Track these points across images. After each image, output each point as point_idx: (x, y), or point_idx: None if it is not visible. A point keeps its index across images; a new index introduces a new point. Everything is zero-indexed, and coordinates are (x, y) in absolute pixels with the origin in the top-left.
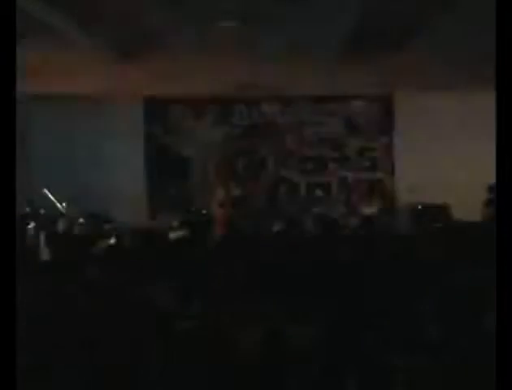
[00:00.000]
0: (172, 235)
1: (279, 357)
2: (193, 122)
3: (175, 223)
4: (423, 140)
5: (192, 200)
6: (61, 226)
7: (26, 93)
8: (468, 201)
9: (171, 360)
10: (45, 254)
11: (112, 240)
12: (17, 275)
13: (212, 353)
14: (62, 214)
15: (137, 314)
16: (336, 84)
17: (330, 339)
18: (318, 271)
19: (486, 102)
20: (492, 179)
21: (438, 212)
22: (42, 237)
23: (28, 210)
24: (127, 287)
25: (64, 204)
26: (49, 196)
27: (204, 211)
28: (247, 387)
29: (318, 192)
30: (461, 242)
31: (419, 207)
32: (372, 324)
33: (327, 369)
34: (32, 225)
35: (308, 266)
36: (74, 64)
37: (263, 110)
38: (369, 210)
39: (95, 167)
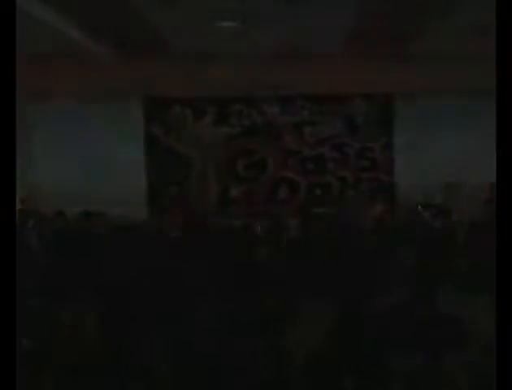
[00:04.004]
0: None
1: None
2: (193, 122)
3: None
4: (423, 140)
5: (191, 200)
6: (60, 225)
7: (26, 93)
8: (468, 201)
9: None
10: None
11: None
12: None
13: None
14: (61, 213)
15: None
16: (336, 84)
17: None
18: None
19: (486, 102)
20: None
21: (438, 212)
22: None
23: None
24: None
25: (64, 203)
26: (49, 196)
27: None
28: None
29: (319, 193)
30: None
31: (419, 207)
32: None
33: None
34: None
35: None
36: (74, 64)
37: (263, 110)
38: (370, 210)
39: (95, 167)
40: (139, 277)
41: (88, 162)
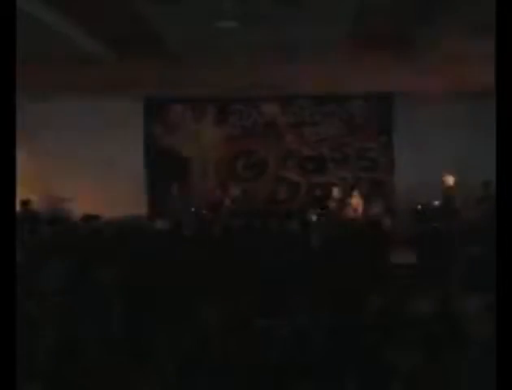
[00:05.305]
0: None
1: None
2: (193, 122)
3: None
4: (423, 140)
5: (191, 200)
6: (59, 226)
7: (26, 93)
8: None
9: None
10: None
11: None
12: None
13: None
14: (61, 214)
15: None
16: (336, 84)
17: None
18: None
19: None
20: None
21: (437, 212)
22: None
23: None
24: None
25: (63, 204)
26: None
27: (204, 211)
28: None
29: (319, 192)
30: None
31: (419, 207)
32: None
33: None
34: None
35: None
36: (74, 64)
37: (263, 110)
38: (369, 210)
39: (95, 167)
40: (141, 277)
41: (88, 162)
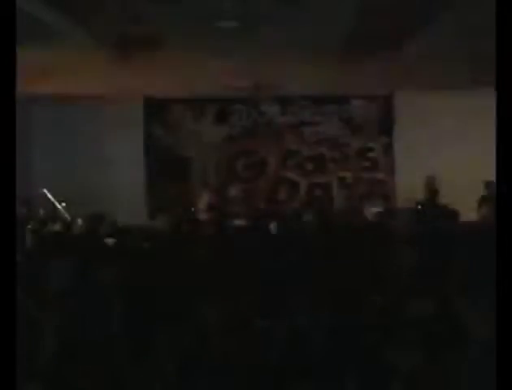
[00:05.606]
0: None
1: None
2: (193, 122)
3: None
4: (423, 140)
5: (191, 200)
6: (59, 227)
7: (26, 93)
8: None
9: None
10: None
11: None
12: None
13: None
14: (61, 215)
15: None
16: (336, 84)
17: None
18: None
19: (486, 102)
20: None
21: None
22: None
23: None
24: None
25: (63, 204)
26: (49, 196)
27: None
28: None
29: (319, 192)
30: None
31: (419, 207)
32: None
33: None
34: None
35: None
36: (74, 64)
37: (263, 110)
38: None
39: (95, 167)
40: (140, 277)
41: (88, 162)
